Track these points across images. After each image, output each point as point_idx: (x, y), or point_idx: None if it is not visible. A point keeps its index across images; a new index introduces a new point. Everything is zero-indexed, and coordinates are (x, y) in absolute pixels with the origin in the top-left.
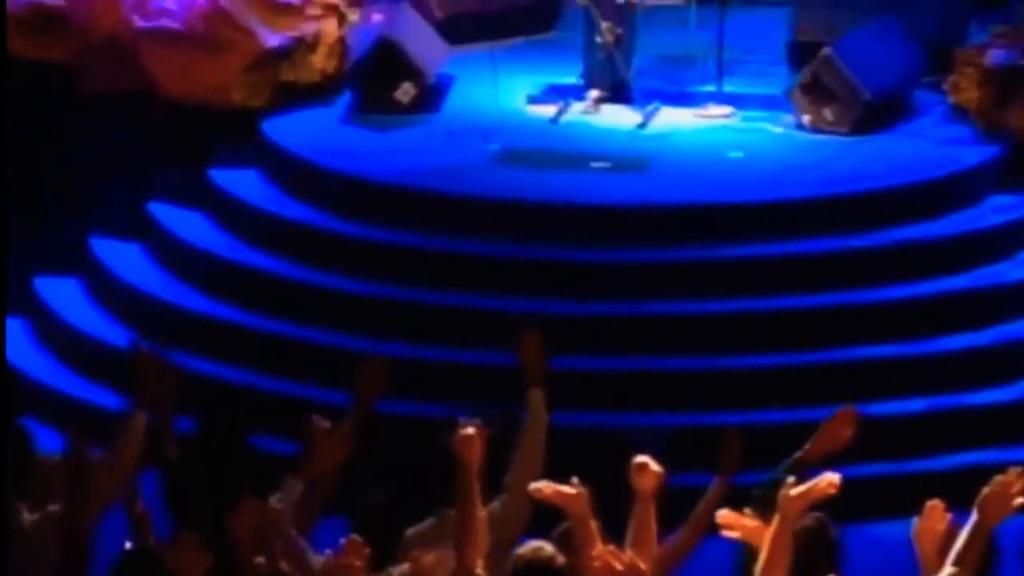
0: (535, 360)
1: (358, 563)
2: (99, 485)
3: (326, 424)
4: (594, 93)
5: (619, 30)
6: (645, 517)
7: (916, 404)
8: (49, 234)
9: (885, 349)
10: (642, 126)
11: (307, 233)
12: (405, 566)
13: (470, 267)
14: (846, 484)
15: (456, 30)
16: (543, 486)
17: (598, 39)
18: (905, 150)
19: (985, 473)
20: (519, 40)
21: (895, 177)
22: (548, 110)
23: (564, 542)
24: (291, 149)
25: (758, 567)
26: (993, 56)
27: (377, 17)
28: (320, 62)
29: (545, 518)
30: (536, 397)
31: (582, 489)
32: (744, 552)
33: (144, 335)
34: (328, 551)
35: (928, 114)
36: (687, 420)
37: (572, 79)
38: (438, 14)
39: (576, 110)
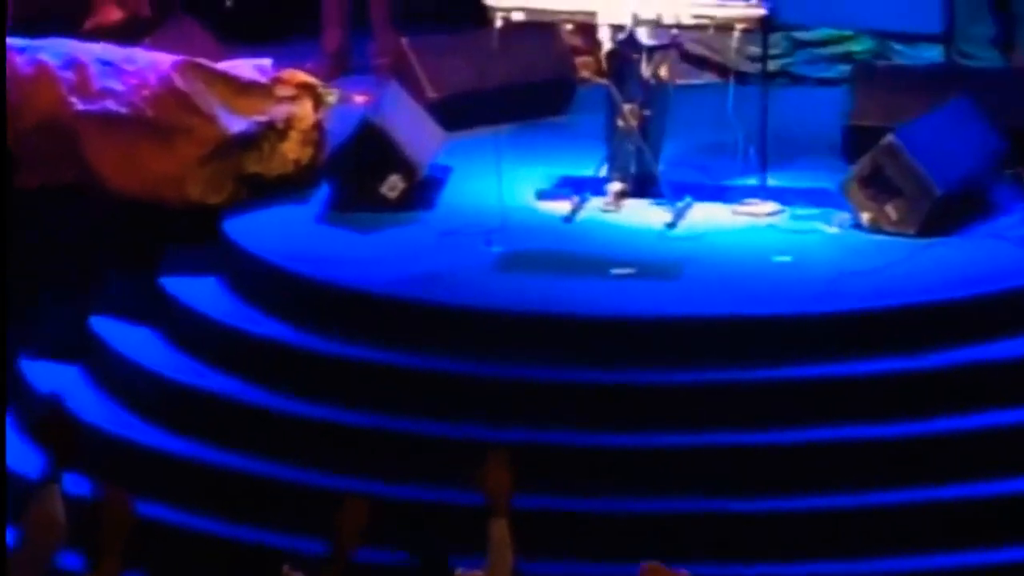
0: (500, 486)
1: None
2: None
3: None
4: (615, 187)
5: (645, 112)
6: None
7: (1005, 554)
8: None
9: (956, 490)
10: (672, 225)
11: (277, 352)
12: None
13: (468, 391)
14: None
15: (453, 113)
16: None
17: (620, 123)
18: (982, 255)
19: None
20: (527, 124)
21: (970, 287)
22: (561, 207)
23: None
24: (257, 253)
25: None
26: None
27: (360, 98)
28: (292, 151)
29: None
30: (499, 528)
31: None
32: None
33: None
34: None
35: (1009, 212)
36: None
37: (589, 170)
38: (432, 94)
39: (594, 207)
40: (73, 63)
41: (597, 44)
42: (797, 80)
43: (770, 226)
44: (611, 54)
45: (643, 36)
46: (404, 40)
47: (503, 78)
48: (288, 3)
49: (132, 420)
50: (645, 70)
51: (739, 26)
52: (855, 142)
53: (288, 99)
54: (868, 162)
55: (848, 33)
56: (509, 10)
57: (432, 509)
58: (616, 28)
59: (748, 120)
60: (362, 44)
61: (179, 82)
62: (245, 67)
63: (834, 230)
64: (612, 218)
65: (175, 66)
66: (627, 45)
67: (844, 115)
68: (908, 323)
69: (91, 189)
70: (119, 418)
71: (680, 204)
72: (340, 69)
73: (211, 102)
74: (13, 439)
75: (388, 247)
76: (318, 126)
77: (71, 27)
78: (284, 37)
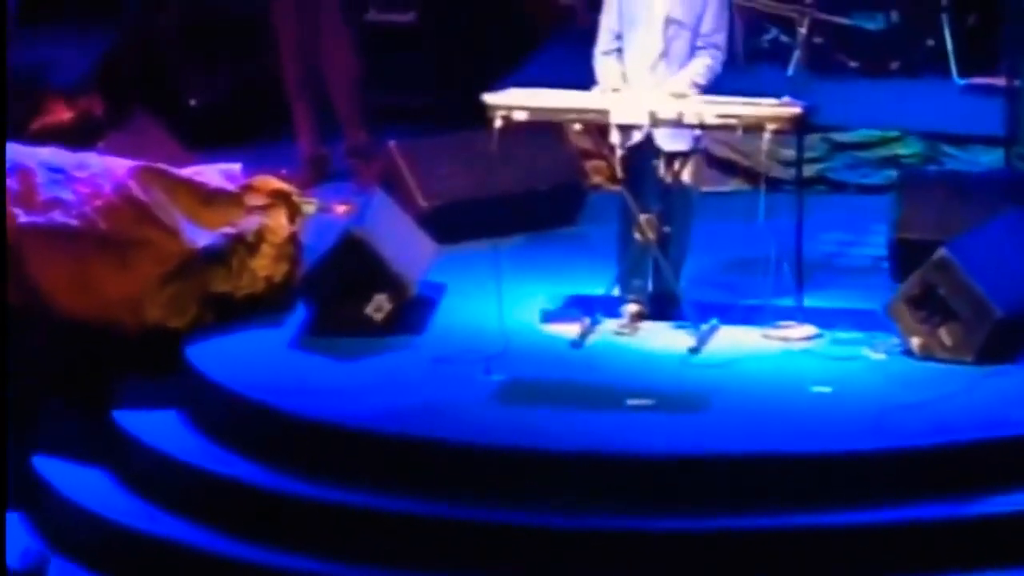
0: None
1: None
2: None
3: None
4: (631, 307)
5: (664, 224)
6: None
7: None
8: None
9: None
10: (695, 351)
11: (246, 496)
12: None
13: (464, 538)
14: None
15: (447, 224)
16: None
17: (636, 235)
18: None
19: None
20: (531, 236)
21: None
22: (569, 330)
23: None
24: (224, 384)
25: None
26: None
27: (341, 208)
28: (264, 267)
29: None
30: None
31: None
32: None
33: None
34: None
35: None
36: None
37: (601, 289)
38: (423, 203)
39: (606, 330)
40: (16, 169)
41: (609, 146)
42: (836, 187)
43: (807, 352)
44: (625, 157)
45: (661, 138)
46: (392, 143)
47: (503, 185)
48: (260, 101)
49: (80, 572)
50: (664, 175)
51: (771, 127)
52: (903, 257)
53: (260, 209)
54: (918, 280)
55: (894, 134)
56: (510, 108)
57: None
58: (631, 128)
59: (781, 232)
60: (339, 144)
61: (136, 190)
62: (211, 173)
63: (880, 357)
64: (627, 342)
65: (132, 172)
66: (643, 147)
67: (890, 227)
68: (964, 463)
69: (36, 311)
70: (65, 571)
71: (705, 327)
72: (319, 175)
73: (173, 213)
74: None
75: (373, 376)
76: (294, 239)
77: (15, 129)
78: (256, 139)
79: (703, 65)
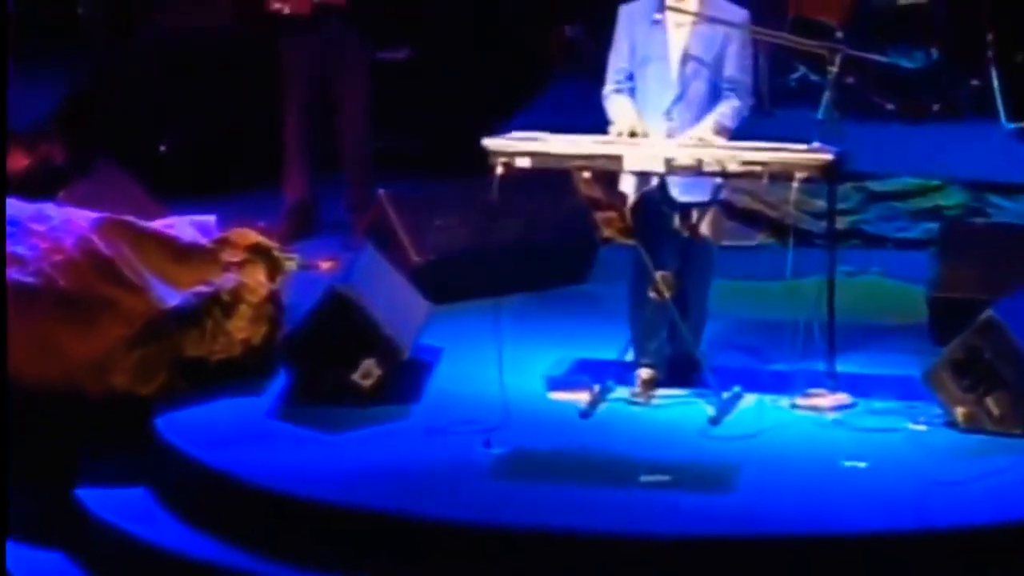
0: None
1: None
2: None
3: None
4: (645, 373)
5: (681, 281)
6: None
7: None
8: None
9: None
10: (716, 421)
11: None
12: None
13: None
14: None
15: (443, 281)
16: None
17: (651, 294)
18: None
19: None
20: (535, 295)
21: None
22: (577, 398)
23: None
24: (198, 457)
25: None
26: None
27: (326, 264)
28: (241, 329)
29: None
30: None
31: None
32: None
33: None
34: None
35: None
36: None
37: (612, 353)
38: (416, 258)
39: (618, 398)
40: None
41: (621, 196)
42: (871, 241)
43: (839, 423)
44: (638, 208)
45: (677, 187)
46: (381, 192)
47: (505, 238)
48: (238, 147)
49: None
50: (681, 228)
51: (799, 175)
52: (944, 319)
53: (237, 265)
54: (962, 344)
55: (935, 183)
56: (512, 154)
57: None
58: (644, 176)
59: (811, 291)
60: (329, 197)
61: (100, 245)
62: (183, 226)
63: (920, 429)
64: (641, 412)
65: (96, 225)
66: (658, 197)
67: (930, 285)
68: (1015, 545)
69: None
70: None
71: (726, 395)
72: (302, 228)
73: (140, 270)
74: None
75: (361, 450)
76: (274, 298)
77: None
78: (232, 189)
79: (730, 107)
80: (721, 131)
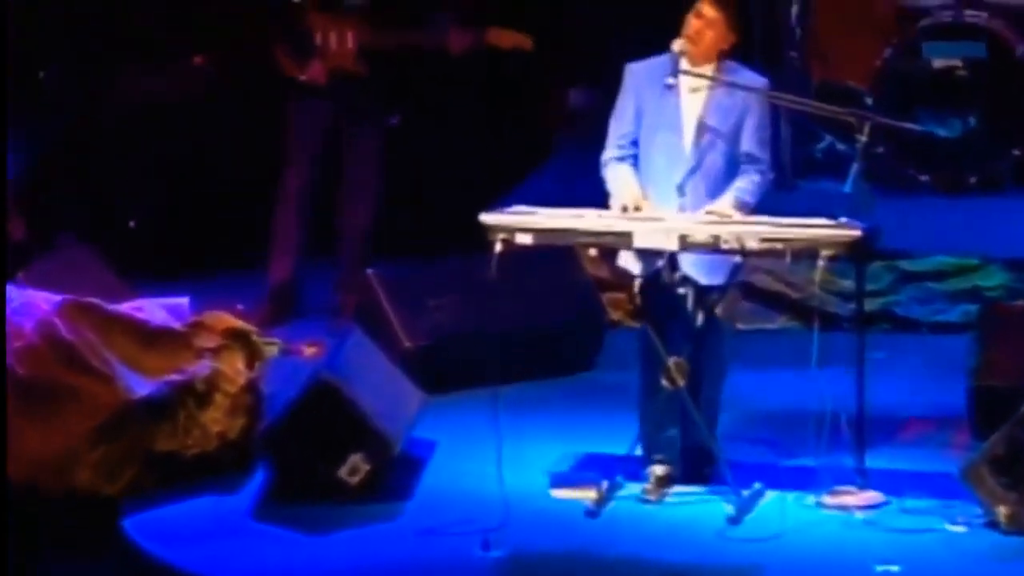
0: None
1: None
2: None
3: None
4: (657, 469)
5: (695, 368)
6: None
7: None
8: None
9: None
10: (735, 521)
11: None
12: None
13: None
14: None
15: (437, 369)
16: None
17: (663, 382)
18: None
19: None
20: (537, 384)
21: None
22: (583, 495)
23: None
24: (169, 561)
25: None
26: None
27: (310, 350)
28: (217, 422)
29: None
30: None
31: None
32: None
33: None
34: None
35: None
36: None
37: (621, 447)
38: (407, 344)
39: (628, 495)
40: None
41: (630, 276)
42: (904, 325)
43: (870, 524)
44: (647, 288)
45: (691, 267)
46: (370, 272)
47: (504, 321)
48: (212, 223)
49: None
50: (695, 310)
51: (825, 252)
52: (984, 410)
53: (212, 351)
54: (1003, 438)
55: (973, 263)
56: (512, 230)
57: None
58: (654, 254)
59: (838, 380)
60: (313, 277)
61: (63, 329)
62: (154, 309)
63: (958, 529)
64: (653, 511)
65: (58, 308)
66: (670, 276)
67: (969, 373)
68: None
69: None
70: None
71: (746, 493)
72: (284, 310)
73: (106, 356)
74: None
75: (348, 553)
76: (252, 387)
77: None
78: (206, 268)
79: (750, 182)
80: (741, 207)
